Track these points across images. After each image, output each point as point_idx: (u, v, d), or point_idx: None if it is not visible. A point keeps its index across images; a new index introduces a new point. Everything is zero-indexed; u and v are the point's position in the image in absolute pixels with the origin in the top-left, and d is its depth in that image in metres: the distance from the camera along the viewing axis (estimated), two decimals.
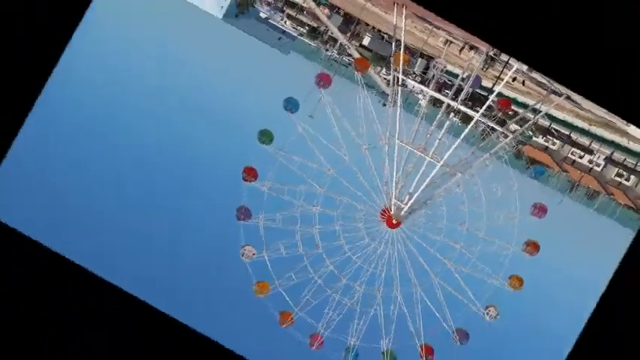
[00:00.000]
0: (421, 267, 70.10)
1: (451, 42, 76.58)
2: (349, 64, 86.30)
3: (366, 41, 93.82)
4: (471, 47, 75.71)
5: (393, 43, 70.13)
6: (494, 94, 68.06)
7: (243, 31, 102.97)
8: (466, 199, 68.77)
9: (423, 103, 75.26)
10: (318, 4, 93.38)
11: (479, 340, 69.39)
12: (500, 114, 70.04)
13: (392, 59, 70.59)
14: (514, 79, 79.19)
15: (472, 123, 66.81)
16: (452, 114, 71.15)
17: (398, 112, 68.50)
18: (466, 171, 68.60)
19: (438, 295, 68.44)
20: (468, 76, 71.78)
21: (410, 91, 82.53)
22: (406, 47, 72.76)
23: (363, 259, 71.26)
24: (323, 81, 67.36)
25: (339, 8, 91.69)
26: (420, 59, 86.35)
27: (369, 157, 69.27)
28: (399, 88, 69.75)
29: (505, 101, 70.00)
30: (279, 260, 68.35)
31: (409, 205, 69.68)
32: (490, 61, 77.85)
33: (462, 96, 69.03)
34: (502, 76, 75.50)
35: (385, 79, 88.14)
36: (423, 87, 75.76)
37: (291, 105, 66.69)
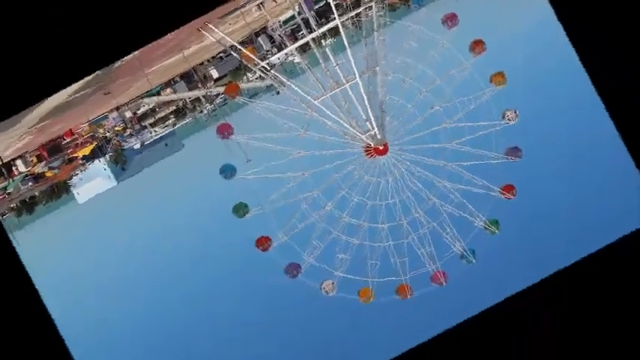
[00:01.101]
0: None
1: (262, 3, 77.58)
2: (226, 100, 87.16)
3: (215, 74, 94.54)
4: None
5: (232, 53, 71.78)
6: None
7: (141, 171, 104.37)
8: (405, 76, 70.70)
9: (298, 59, 76.46)
10: (157, 94, 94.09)
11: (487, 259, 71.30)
12: (348, 1, 71.62)
13: (245, 63, 72.30)
14: None
15: (341, 30, 68.46)
16: (323, 41, 72.63)
17: (293, 87, 70.50)
18: (378, 61, 70.28)
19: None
20: (300, 8, 73.47)
21: (281, 64, 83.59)
22: (243, 43, 74.27)
23: (387, 200, 73.29)
24: (225, 131, 68.58)
25: (172, 79, 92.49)
26: (259, 38, 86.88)
27: (314, 133, 71.21)
28: (272, 72, 71.38)
29: None
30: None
31: (375, 125, 71.54)
32: None
33: (313, 22, 71.29)
34: None
35: (257, 78, 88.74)
36: (284, 51, 76.60)
37: (226, 171, 67.73)
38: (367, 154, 72.61)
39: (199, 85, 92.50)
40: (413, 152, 72.16)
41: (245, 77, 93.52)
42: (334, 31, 73.96)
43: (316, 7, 78.27)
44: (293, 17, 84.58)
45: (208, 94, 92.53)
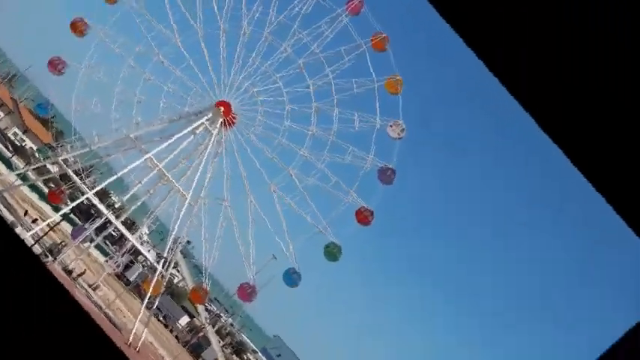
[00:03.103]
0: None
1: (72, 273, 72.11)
2: (210, 303, 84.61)
3: (184, 319, 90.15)
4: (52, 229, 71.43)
5: (159, 310, 68.32)
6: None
7: None
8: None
9: (144, 230, 75.34)
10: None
11: None
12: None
13: (163, 287, 70.09)
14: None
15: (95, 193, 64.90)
16: (124, 205, 71.15)
17: (176, 235, 66.55)
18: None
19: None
20: (86, 238, 70.31)
21: (153, 246, 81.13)
22: (144, 301, 70.13)
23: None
24: (246, 292, 67.95)
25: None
26: (130, 277, 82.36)
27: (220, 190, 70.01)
28: (167, 255, 69.10)
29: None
30: None
31: (198, 120, 68.99)
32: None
33: (100, 221, 68.73)
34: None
35: (178, 271, 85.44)
36: (141, 249, 73.15)
37: (290, 280, 66.89)
38: (230, 125, 70.74)
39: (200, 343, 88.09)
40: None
41: (176, 284, 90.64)
42: (102, 199, 71.28)
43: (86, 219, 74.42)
44: (101, 249, 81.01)
45: (211, 327, 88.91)
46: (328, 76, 68.61)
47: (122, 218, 69.76)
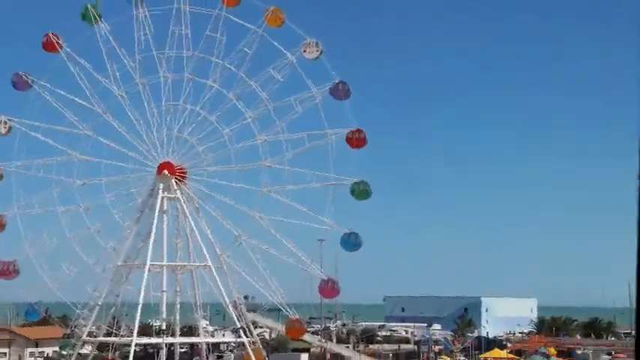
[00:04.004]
0: None
1: None
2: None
3: None
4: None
5: None
6: None
7: None
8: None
9: (202, 318, 70.30)
10: None
11: None
12: None
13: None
14: None
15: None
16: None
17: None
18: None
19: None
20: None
21: (224, 315, 76.91)
22: None
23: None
24: (329, 288, 65.99)
25: None
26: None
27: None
28: (244, 321, 66.59)
29: None
30: None
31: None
32: None
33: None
34: None
35: (262, 329, 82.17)
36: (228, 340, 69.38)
37: (350, 245, 64.18)
38: (183, 177, 67.47)
39: None
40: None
41: (270, 338, 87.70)
42: (147, 333, 67.28)
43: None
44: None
45: (330, 342, 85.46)
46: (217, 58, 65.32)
47: (178, 333, 67.09)
